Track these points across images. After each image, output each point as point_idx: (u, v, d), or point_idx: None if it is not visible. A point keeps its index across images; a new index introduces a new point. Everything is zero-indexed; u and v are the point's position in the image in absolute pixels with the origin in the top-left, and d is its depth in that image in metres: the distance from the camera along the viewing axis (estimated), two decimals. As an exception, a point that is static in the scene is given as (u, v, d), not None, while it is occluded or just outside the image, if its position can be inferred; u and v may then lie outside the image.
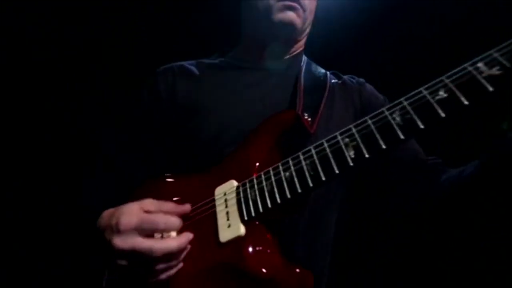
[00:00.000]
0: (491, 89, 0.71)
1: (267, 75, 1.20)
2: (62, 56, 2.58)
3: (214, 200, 0.95)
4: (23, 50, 2.56)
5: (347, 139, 0.83)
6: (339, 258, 1.24)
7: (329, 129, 1.03)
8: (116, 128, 1.21)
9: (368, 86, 1.29)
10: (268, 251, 0.83)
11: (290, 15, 1.17)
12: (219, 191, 0.95)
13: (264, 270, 0.79)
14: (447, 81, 0.78)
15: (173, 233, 0.91)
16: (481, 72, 0.74)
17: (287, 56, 1.26)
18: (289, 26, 1.18)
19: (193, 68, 1.23)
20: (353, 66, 1.52)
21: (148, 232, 0.85)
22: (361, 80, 1.32)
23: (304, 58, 1.30)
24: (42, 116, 2.68)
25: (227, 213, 0.90)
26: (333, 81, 1.25)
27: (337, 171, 0.81)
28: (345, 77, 1.31)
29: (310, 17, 1.26)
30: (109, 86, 2.51)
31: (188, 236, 0.89)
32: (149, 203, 0.90)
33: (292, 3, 1.16)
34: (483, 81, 0.73)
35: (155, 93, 1.18)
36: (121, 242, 0.84)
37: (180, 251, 0.87)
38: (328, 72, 1.28)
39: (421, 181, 1.11)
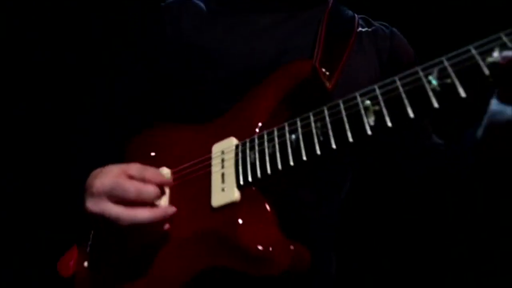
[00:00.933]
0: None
1: (287, 17, 1.03)
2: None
3: (210, 158, 0.84)
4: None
5: (368, 102, 0.69)
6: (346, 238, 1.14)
7: (351, 86, 0.88)
8: (115, 69, 1.10)
9: (400, 38, 1.11)
10: (264, 222, 0.73)
11: None
12: (217, 148, 0.84)
13: (256, 245, 0.70)
14: (505, 39, 0.61)
15: (163, 201, 0.82)
16: None
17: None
18: None
19: (201, 4, 1.06)
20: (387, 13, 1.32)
21: (118, 199, 0.76)
22: (395, 30, 1.13)
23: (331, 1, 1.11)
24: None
25: (223, 174, 0.80)
26: (361, 29, 1.07)
27: (351, 140, 0.68)
28: (377, 24, 1.13)
29: None
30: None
31: (168, 210, 0.79)
32: (133, 168, 0.81)
33: None
34: None
35: (159, 29, 1.04)
36: (92, 204, 0.77)
37: (157, 221, 0.77)
38: (357, 16, 1.10)
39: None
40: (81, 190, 0.81)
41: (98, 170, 0.82)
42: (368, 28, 1.10)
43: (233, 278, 0.75)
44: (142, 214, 0.75)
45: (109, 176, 0.78)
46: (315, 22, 1.00)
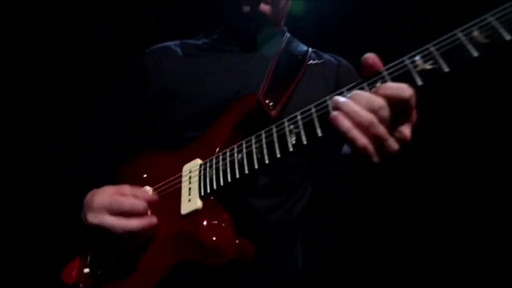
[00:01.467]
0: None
1: (246, 58, 1.25)
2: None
3: (181, 176, 1.06)
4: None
5: (292, 126, 0.90)
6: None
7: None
8: (105, 104, 1.34)
9: (347, 66, 1.31)
10: (220, 224, 0.93)
11: (262, 8, 1.22)
12: (186, 168, 1.06)
13: (210, 240, 0.90)
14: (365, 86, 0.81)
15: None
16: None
17: (266, 38, 1.30)
18: (261, 19, 1.23)
19: (178, 49, 1.31)
20: (341, 43, 1.53)
21: (116, 212, 0.98)
22: (342, 60, 1.33)
23: (287, 35, 1.32)
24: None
25: (189, 188, 1.01)
26: (311, 61, 1.28)
27: (278, 155, 0.88)
28: (326, 56, 1.33)
29: (284, 2, 1.28)
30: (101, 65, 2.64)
31: (152, 219, 1.01)
32: (126, 188, 1.04)
33: None
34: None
35: (142, 70, 1.28)
36: (92, 217, 0.99)
37: (144, 230, 0.99)
38: (310, 50, 1.30)
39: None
40: (80, 206, 1.03)
41: (95, 190, 1.04)
42: (318, 60, 1.31)
43: (200, 272, 0.96)
44: (133, 223, 0.98)
45: (107, 194, 1.01)
46: (270, 59, 1.22)
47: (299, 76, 1.20)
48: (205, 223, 0.95)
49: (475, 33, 0.72)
